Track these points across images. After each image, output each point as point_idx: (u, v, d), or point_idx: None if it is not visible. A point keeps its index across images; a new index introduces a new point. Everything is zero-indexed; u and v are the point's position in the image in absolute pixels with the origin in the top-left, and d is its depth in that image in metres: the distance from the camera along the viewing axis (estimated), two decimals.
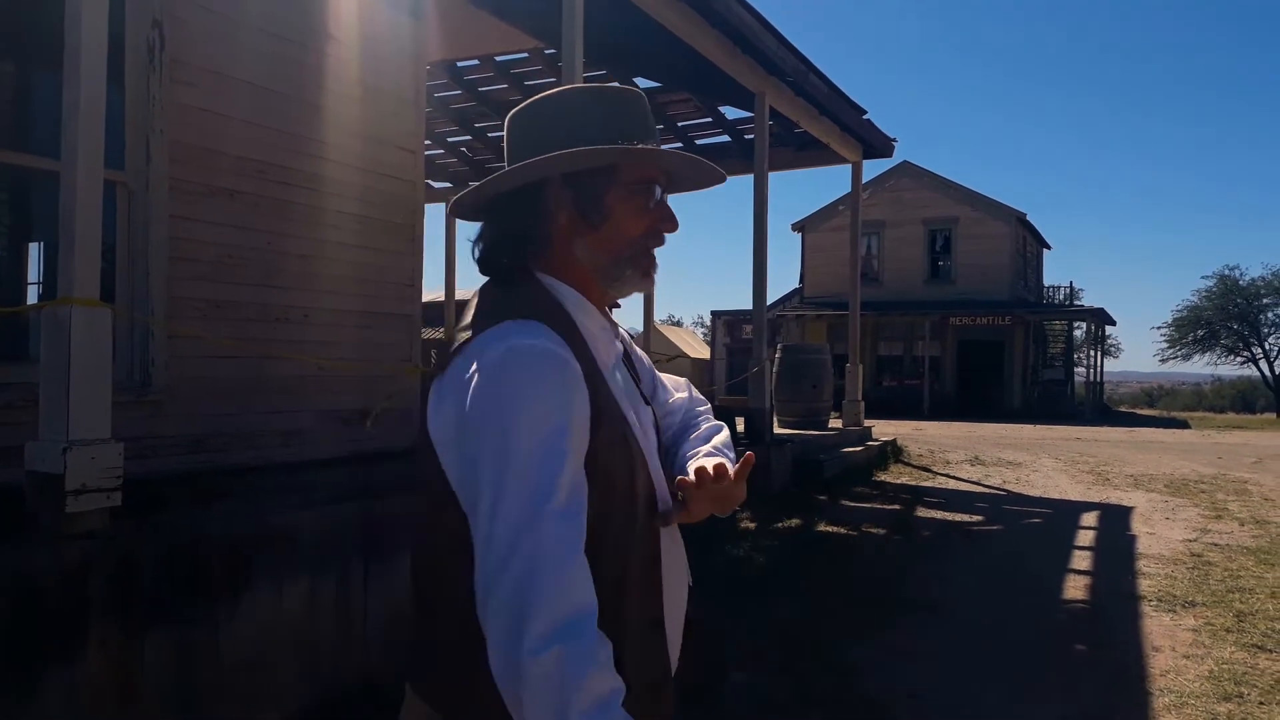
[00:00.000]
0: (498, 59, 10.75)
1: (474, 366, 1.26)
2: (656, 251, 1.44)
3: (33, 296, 7.08)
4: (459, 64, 10.94)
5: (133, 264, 4.72)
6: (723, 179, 1.54)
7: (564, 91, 1.45)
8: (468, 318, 1.38)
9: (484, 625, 1.17)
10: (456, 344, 1.34)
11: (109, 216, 4.23)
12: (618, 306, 1.52)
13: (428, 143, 12.00)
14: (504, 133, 1.46)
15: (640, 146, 1.37)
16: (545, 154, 1.34)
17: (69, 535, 3.21)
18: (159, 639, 3.35)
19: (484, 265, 1.42)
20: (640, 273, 1.41)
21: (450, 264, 14.84)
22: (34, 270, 7.30)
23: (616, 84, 1.48)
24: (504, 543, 1.16)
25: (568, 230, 1.39)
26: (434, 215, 13.24)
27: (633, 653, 1.30)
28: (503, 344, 1.26)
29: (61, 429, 3.26)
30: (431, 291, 19.72)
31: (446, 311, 14.80)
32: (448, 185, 15.06)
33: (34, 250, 7.36)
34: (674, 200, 1.51)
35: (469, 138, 13.32)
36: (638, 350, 1.68)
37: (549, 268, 1.40)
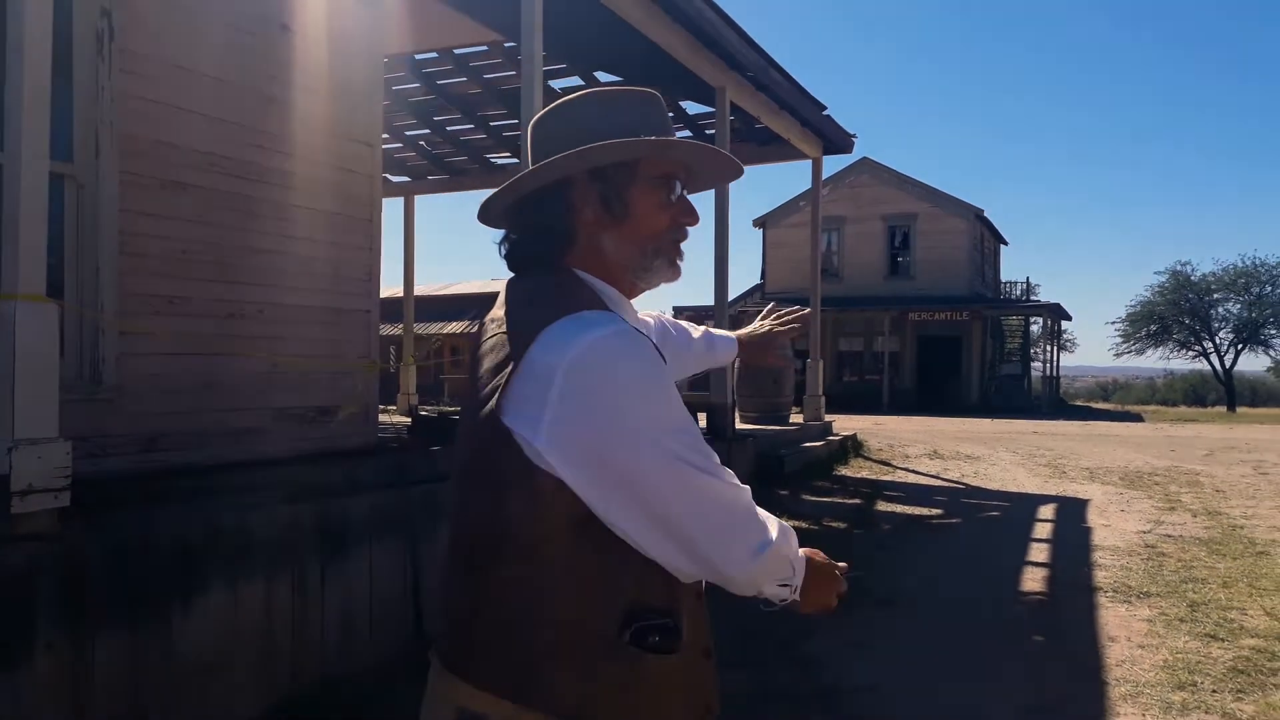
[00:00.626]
0: (457, 52, 10.64)
1: (572, 357, 1.28)
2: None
3: None
4: (417, 57, 10.82)
5: (82, 259, 4.61)
6: (741, 172, 1.62)
7: (585, 95, 1.52)
8: (500, 310, 1.45)
9: (716, 565, 1.36)
10: (496, 333, 1.40)
11: (57, 210, 4.13)
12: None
13: (386, 136, 11.87)
14: (527, 136, 1.54)
15: (661, 138, 1.44)
16: (566, 146, 1.41)
17: (15, 537, 3.13)
18: (109, 642, 3.27)
19: (513, 260, 1.50)
20: (667, 263, 1.49)
21: (409, 259, 14.70)
22: None
23: (641, 89, 1.57)
24: (714, 506, 1.35)
25: (594, 225, 1.45)
26: (392, 209, 13.13)
27: (689, 621, 1.43)
28: (595, 332, 1.30)
29: (7, 428, 3.18)
30: (390, 287, 19.55)
31: (405, 307, 14.66)
32: (405, 179, 14.92)
33: None
34: None
35: (427, 131, 13.19)
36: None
37: (576, 262, 1.46)
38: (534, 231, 1.47)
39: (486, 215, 1.54)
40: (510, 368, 1.32)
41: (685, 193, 1.52)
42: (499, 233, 1.55)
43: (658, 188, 1.46)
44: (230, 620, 3.72)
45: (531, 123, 1.53)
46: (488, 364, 1.39)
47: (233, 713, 3.72)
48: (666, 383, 1.33)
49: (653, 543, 1.32)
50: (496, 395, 1.33)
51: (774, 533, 1.41)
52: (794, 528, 1.57)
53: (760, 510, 1.41)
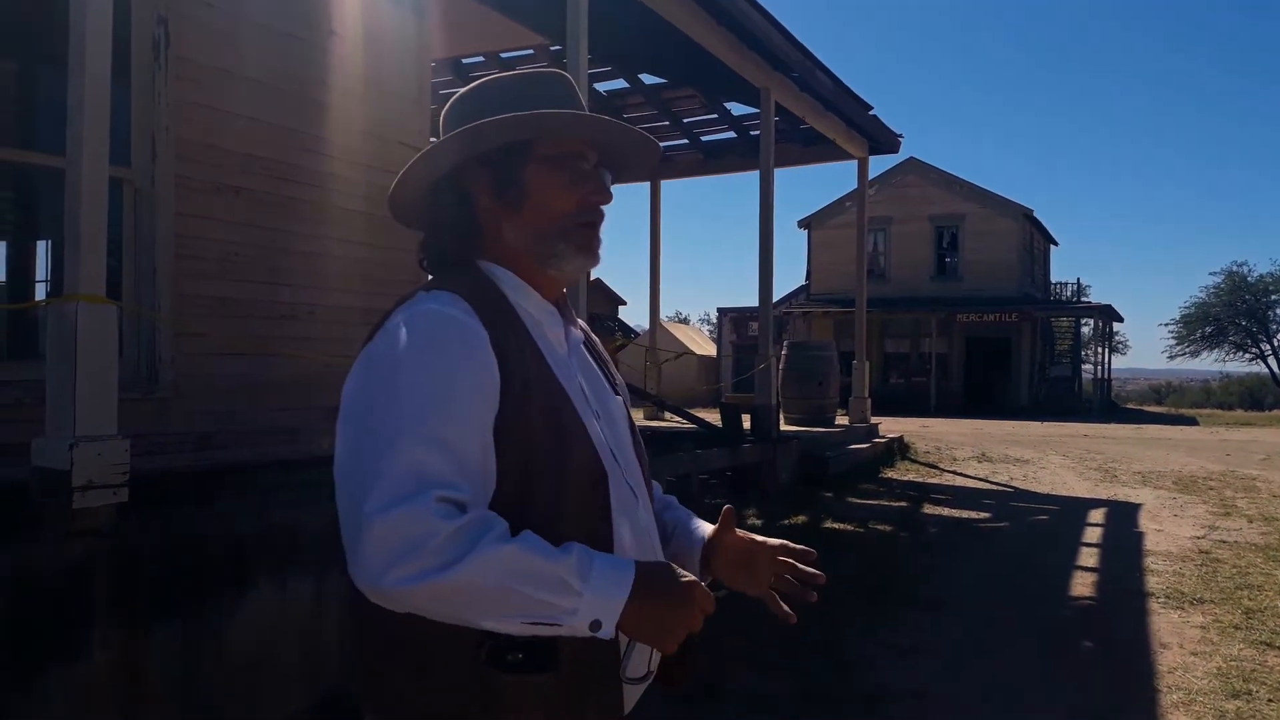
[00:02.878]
0: (503, 56, 10.73)
1: (371, 336, 1.29)
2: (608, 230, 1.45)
3: (40, 293, 7.10)
4: (464, 61, 10.93)
5: (139, 261, 4.73)
6: (657, 148, 1.50)
7: (483, 80, 1.44)
8: None
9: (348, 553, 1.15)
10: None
11: (114, 214, 4.23)
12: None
13: (432, 139, 11.99)
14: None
15: (533, 112, 1.33)
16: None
17: (75, 531, 3.21)
18: (164, 636, 3.35)
19: (425, 261, 1.43)
20: (575, 248, 1.38)
21: None
22: (41, 267, 7.32)
23: (543, 68, 1.48)
24: (358, 463, 1.17)
25: (491, 213, 1.38)
26: None
27: (585, 640, 1.21)
28: (405, 311, 1.28)
29: (68, 425, 3.26)
30: None
31: None
32: None
33: (41, 247, 7.38)
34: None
35: None
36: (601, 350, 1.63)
37: (487, 255, 1.39)
38: (439, 229, 1.41)
39: (400, 214, 1.47)
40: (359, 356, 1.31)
41: (597, 170, 1.41)
42: None
43: (556, 168, 1.36)
44: (280, 616, 3.79)
45: (441, 114, 1.47)
46: None
47: (281, 708, 3.78)
48: (443, 364, 1.21)
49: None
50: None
51: (465, 558, 1.10)
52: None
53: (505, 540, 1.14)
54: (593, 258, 1.40)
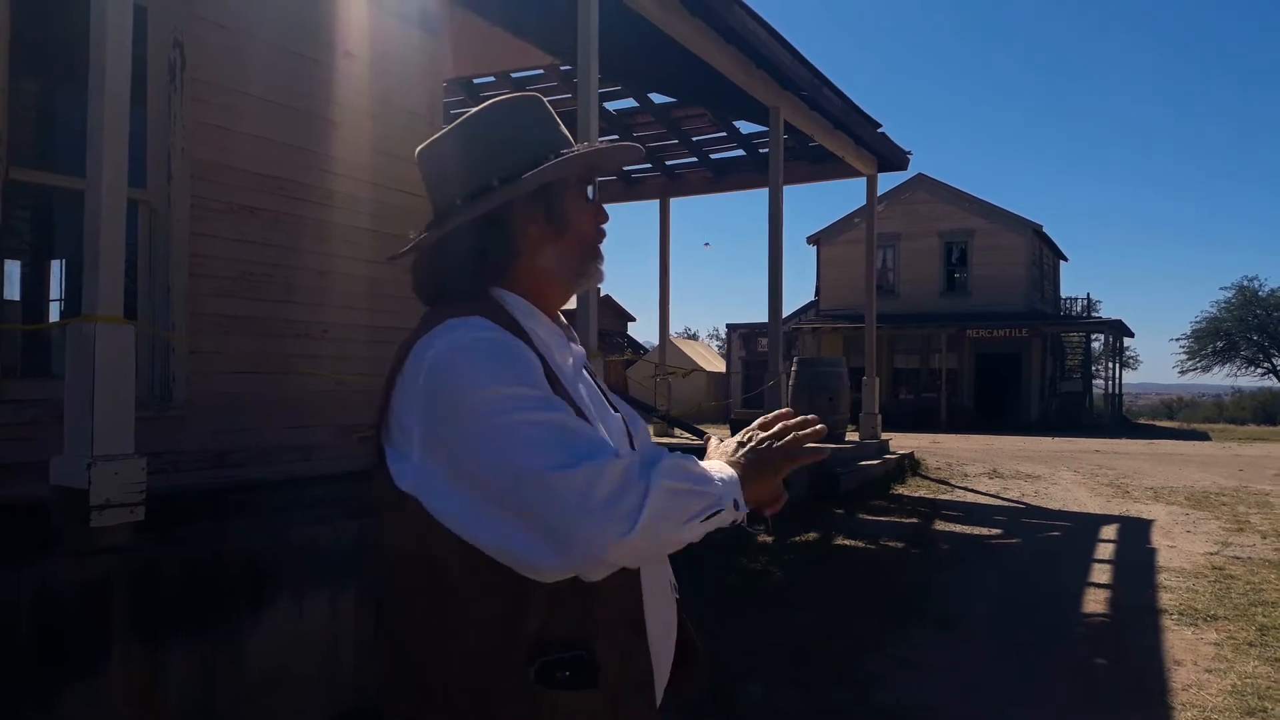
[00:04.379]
0: (513, 75, 10.81)
1: (429, 361, 1.27)
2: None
3: (55, 313, 7.16)
4: (475, 81, 11.01)
5: (154, 281, 4.77)
6: (641, 152, 1.63)
7: (483, 111, 1.47)
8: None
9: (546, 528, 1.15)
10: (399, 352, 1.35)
11: (130, 234, 4.28)
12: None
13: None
14: (421, 165, 1.50)
15: (610, 145, 1.48)
16: (499, 172, 1.39)
17: (93, 550, 3.24)
18: (181, 653, 3.37)
19: (435, 294, 1.44)
20: (597, 265, 1.49)
21: None
22: (55, 287, 7.37)
23: (515, 94, 1.54)
24: (516, 481, 1.17)
25: (538, 240, 1.43)
26: None
27: (610, 653, 1.28)
28: (451, 333, 1.28)
29: (86, 444, 3.30)
30: None
31: None
32: None
33: (56, 267, 7.44)
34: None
35: None
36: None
37: (510, 281, 1.42)
38: (463, 260, 1.41)
39: (422, 254, 1.49)
40: (390, 385, 1.32)
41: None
42: None
43: (582, 193, 1.47)
44: (296, 633, 3.81)
45: (425, 151, 1.49)
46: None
47: None
48: (515, 371, 1.24)
49: (506, 530, 1.18)
50: (382, 412, 1.33)
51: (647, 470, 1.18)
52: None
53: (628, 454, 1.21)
54: (602, 275, 1.51)
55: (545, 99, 1.53)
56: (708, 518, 1.21)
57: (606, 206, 1.55)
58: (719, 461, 1.31)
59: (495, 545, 1.19)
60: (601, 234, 1.49)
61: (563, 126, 1.49)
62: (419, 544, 1.27)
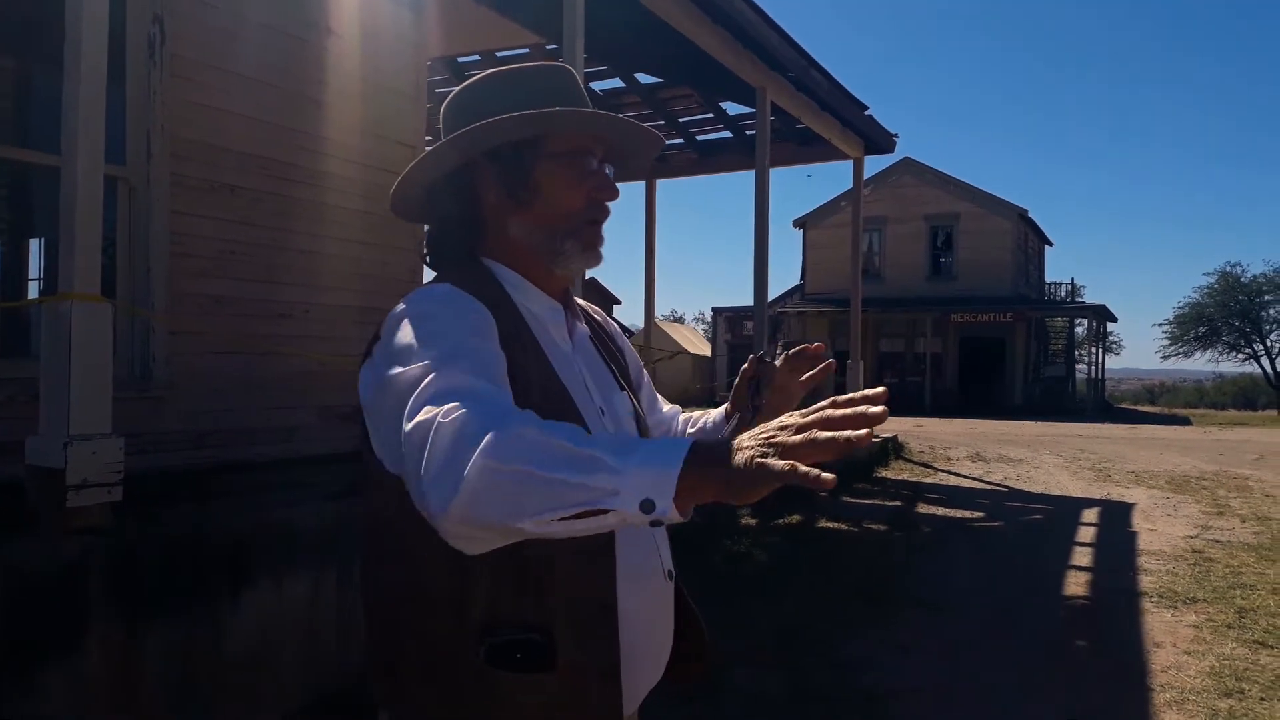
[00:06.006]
0: (499, 54, 10.71)
1: (380, 327, 1.26)
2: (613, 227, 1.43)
3: (33, 292, 7.09)
4: (460, 59, 10.91)
5: (133, 259, 4.72)
6: (660, 142, 1.49)
7: (486, 75, 1.43)
8: None
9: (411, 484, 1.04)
10: None
11: (109, 212, 4.23)
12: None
13: (429, 138, 11.98)
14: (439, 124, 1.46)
15: (545, 110, 1.31)
16: (451, 133, 1.34)
17: (70, 530, 3.21)
18: (160, 635, 3.35)
19: (429, 261, 1.43)
20: (581, 246, 1.37)
21: None
22: (34, 266, 7.30)
23: (546, 62, 1.46)
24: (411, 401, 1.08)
25: (498, 209, 1.37)
26: None
27: (570, 636, 1.23)
28: (408, 298, 1.27)
29: (63, 424, 3.26)
30: None
31: None
32: None
33: (34, 246, 7.36)
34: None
35: None
36: (624, 342, 1.65)
37: (489, 251, 1.39)
38: (444, 224, 1.40)
39: (403, 211, 1.45)
40: (368, 351, 1.28)
41: (603, 168, 1.40)
42: None
43: (566, 166, 1.35)
44: (276, 615, 3.79)
45: (442, 107, 1.45)
46: None
47: (277, 706, 3.78)
48: (461, 320, 1.20)
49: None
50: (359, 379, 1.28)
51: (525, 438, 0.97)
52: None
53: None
54: (596, 256, 1.39)
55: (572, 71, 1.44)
56: (571, 516, 0.95)
57: None
58: (667, 441, 0.99)
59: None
60: (595, 210, 1.38)
61: (578, 97, 1.39)
62: (384, 511, 1.25)
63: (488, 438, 0.95)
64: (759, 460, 0.94)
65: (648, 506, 0.94)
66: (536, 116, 1.31)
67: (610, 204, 1.40)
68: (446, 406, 1.00)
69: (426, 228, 1.45)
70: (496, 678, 1.20)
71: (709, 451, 0.96)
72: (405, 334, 1.18)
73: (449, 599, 1.21)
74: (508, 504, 0.95)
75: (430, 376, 1.07)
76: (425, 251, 1.43)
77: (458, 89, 1.43)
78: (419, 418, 1.02)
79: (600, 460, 0.95)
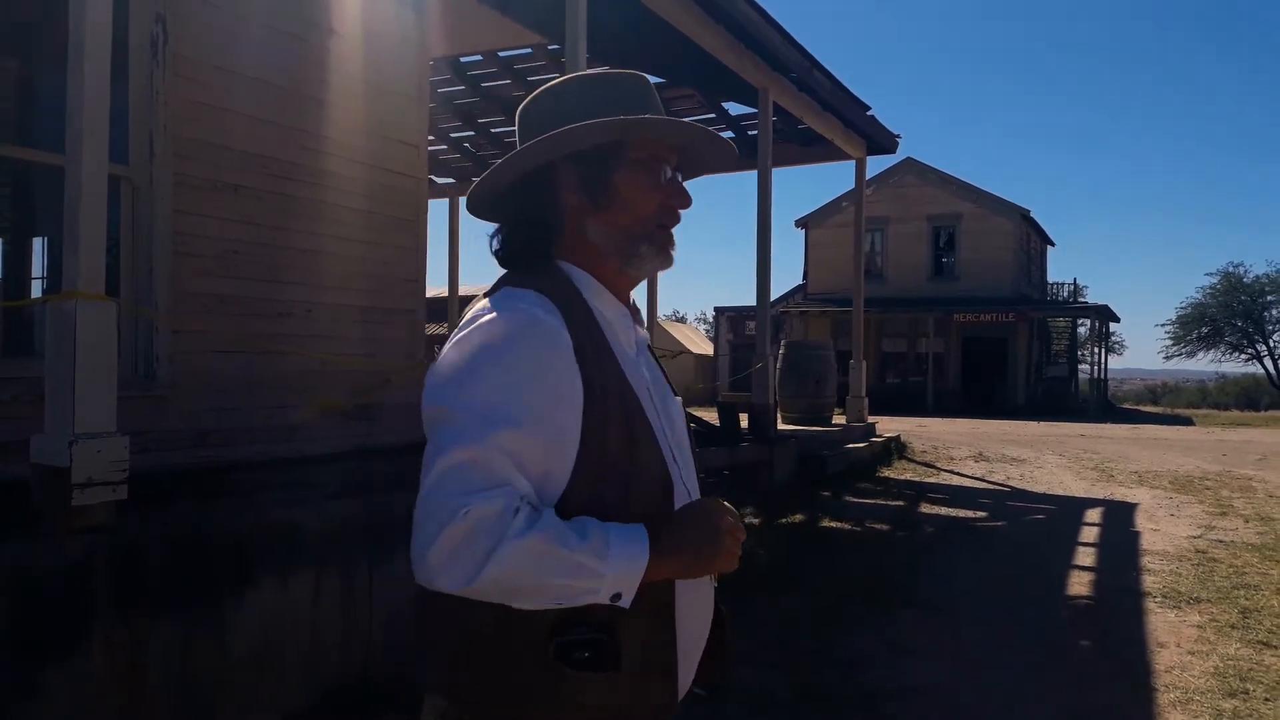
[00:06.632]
0: (501, 54, 10.72)
1: (462, 324, 1.32)
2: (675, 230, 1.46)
3: (36, 291, 7.09)
4: (462, 59, 10.92)
5: (136, 258, 4.72)
6: (734, 153, 1.55)
7: (564, 80, 1.47)
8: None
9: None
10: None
11: (113, 211, 4.23)
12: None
13: (431, 138, 11.99)
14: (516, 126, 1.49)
15: (633, 117, 1.37)
16: (533, 136, 1.37)
17: (75, 529, 3.21)
18: (164, 633, 3.35)
19: (501, 257, 1.45)
20: (656, 249, 1.42)
21: (454, 260, 14.85)
22: (38, 265, 7.31)
23: (625, 70, 1.50)
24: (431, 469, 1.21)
25: (578, 212, 1.40)
26: (437, 211, 13.26)
27: (634, 637, 1.29)
28: (494, 303, 1.32)
29: (67, 423, 3.26)
30: (435, 288, 19.71)
31: (450, 307, 14.80)
32: (451, 181, 15.06)
33: (38, 245, 7.37)
34: (698, 195, 1.50)
35: (472, 133, 13.30)
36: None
37: (564, 253, 1.42)
38: (520, 224, 1.44)
39: (477, 208, 1.48)
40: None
41: (680, 178, 1.46)
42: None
43: (644, 171, 1.40)
44: (279, 614, 3.79)
45: (519, 109, 1.48)
46: None
47: (280, 705, 3.78)
48: (527, 366, 1.26)
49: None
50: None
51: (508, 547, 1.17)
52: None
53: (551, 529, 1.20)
54: (669, 259, 1.44)
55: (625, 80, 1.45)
56: (563, 604, 1.22)
57: None
58: (634, 539, 1.25)
59: None
60: (668, 215, 1.43)
61: (654, 104, 1.44)
62: None
63: (505, 550, 1.15)
64: (718, 558, 1.31)
65: (615, 598, 1.23)
66: (631, 122, 1.36)
67: (682, 211, 1.45)
68: (465, 504, 1.16)
69: (496, 229, 1.48)
70: (564, 675, 1.26)
71: (671, 553, 1.27)
72: (469, 366, 1.26)
73: None
74: (505, 596, 1.20)
75: (465, 452, 1.19)
76: (496, 249, 1.46)
77: (535, 94, 1.46)
78: (451, 492, 1.17)
79: (585, 567, 1.20)
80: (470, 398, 1.23)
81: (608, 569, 1.21)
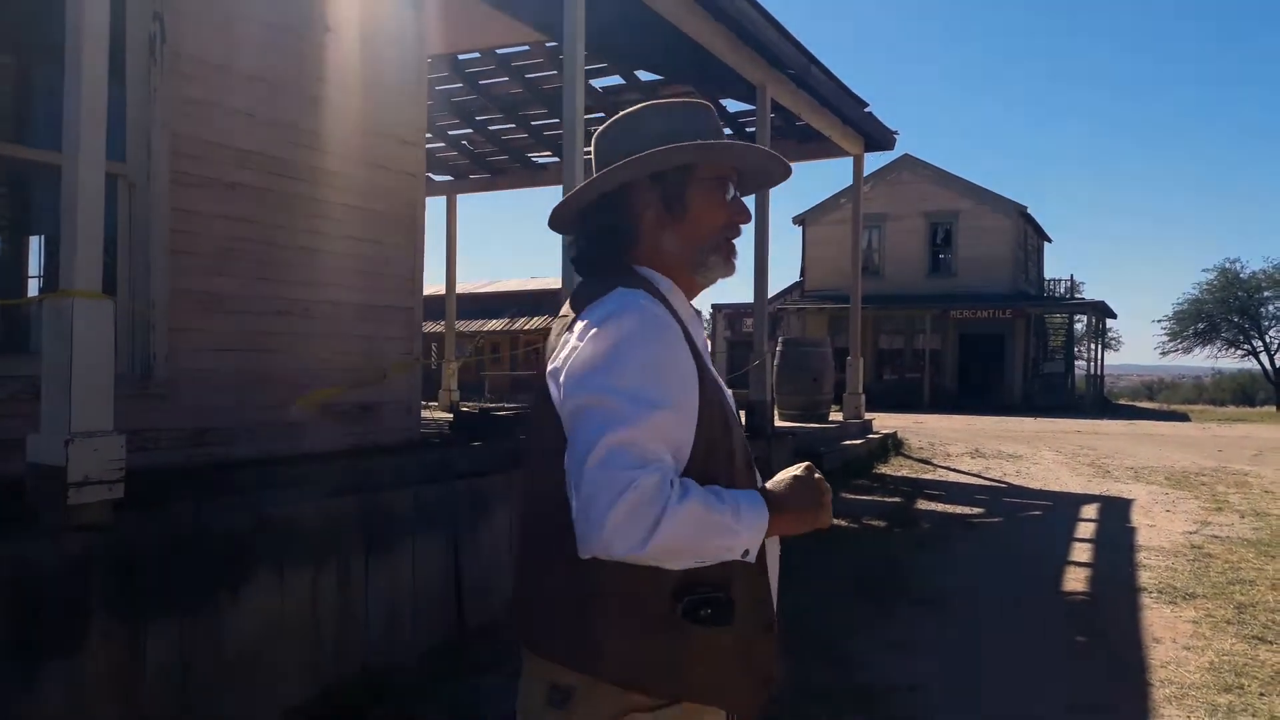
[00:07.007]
0: (499, 52, 10.70)
1: (591, 320, 1.44)
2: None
3: (34, 289, 7.09)
4: (460, 57, 10.90)
5: (133, 257, 4.72)
6: (789, 172, 1.72)
7: (645, 106, 1.65)
8: (566, 308, 1.57)
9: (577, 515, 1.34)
10: (557, 328, 1.54)
11: (110, 209, 4.22)
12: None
13: (429, 135, 11.97)
14: (590, 149, 1.69)
15: (715, 142, 1.58)
16: (622, 155, 1.55)
17: (71, 527, 3.22)
18: (161, 631, 3.36)
19: (581, 262, 1.62)
20: (723, 259, 1.61)
21: (451, 257, 14.82)
22: (35, 263, 7.30)
23: (691, 100, 1.73)
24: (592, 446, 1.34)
25: (655, 225, 1.59)
26: (435, 208, 13.25)
27: (744, 595, 1.47)
28: (617, 301, 1.45)
29: (64, 421, 3.26)
30: (432, 285, 19.71)
31: (447, 305, 14.78)
32: (448, 178, 15.03)
33: (35, 243, 7.36)
34: None
35: (470, 131, 13.28)
36: None
37: (639, 260, 1.59)
38: (599, 234, 1.59)
39: (559, 223, 1.67)
40: (558, 342, 1.49)
41: (737, 193, 1.63)
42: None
43: (713, 189, 1.58)
44: (277, 611, 3.80)
45: (595, 135, 1.66)
46: (550, 354, 1.52)
47: (278, 701, 3.79)
48: (666, 353, 1.42)
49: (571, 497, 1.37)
50: (550, 366, 1.47)
51: (673, 518, 1.33)
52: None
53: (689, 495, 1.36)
54: (733, 267, 1.62)
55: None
56: (713, 561, 1.40)
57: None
58: (752, 508, 1.42)
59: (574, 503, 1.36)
60: (732, 230, 1.61)
61: (720, 131, 1.62)
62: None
63: (669, 514, 1.30)
64: (821, 515, 1.51)
65: (744, 555, 1.42)
66: (718, 147, 1.58)
67: (743, 226, 1.64)
68: (635, 476, 1.30)
69: (574, 239, 1.65)
70: (690, 630, 1.42)
71: (784, 512, 1.47)
72: (615, 356, 1.39)
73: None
74: (666, 558, 1.35)
75: (625, 431, 1.33)
76: (574, 257, 1.63)
77: (612, 120, 1.64)
78: (617, 467, 1.31)
79: (729, 528, 1.38)
80: (621, 384, 1.36)
81: (743, 528, 1.39)
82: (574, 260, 1.63)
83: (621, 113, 1.64)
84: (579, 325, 1.45)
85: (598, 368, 1.39)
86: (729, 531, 1.38)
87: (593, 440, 1.33)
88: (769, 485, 1.52)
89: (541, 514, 1.49)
